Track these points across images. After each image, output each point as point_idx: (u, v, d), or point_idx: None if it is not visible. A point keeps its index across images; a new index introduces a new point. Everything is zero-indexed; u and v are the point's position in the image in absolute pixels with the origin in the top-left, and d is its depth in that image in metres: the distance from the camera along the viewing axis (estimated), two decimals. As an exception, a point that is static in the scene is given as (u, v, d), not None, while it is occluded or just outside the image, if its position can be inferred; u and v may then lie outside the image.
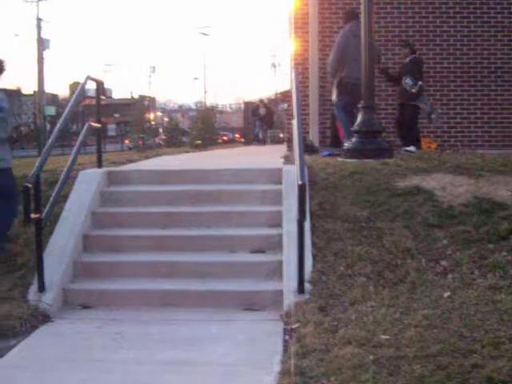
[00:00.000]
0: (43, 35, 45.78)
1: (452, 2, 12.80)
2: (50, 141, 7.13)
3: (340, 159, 9.11)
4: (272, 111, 32.13)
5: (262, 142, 28.71)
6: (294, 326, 5.18)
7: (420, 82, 11.33)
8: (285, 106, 20.53)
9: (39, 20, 46.05)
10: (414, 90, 11.29)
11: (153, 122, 46.48)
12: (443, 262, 5.98)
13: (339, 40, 10.80)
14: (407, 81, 11.29)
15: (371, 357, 4.32)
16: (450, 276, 5.76)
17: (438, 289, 5.55)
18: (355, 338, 4.66)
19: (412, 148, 10.84)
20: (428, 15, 12.84)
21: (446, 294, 5.41)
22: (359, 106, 9.33)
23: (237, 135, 52.26)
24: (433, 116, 11.77)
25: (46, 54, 45.63)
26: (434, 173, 7.69)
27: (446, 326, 4.78)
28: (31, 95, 52.70)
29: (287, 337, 5.14)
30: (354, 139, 9.29)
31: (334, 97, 11.04)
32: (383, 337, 4.66)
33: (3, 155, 6.80)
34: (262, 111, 30.13)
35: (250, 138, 31.51)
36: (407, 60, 11.54)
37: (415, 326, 4.80)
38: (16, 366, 4.81)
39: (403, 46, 11.84)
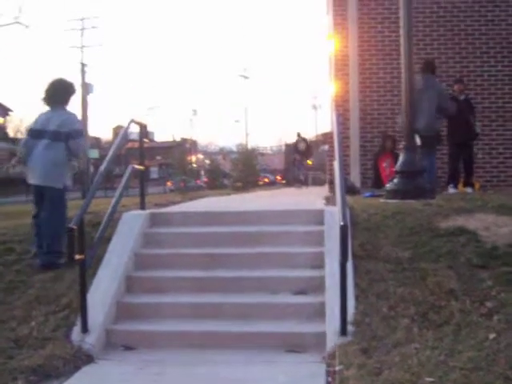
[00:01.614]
0: (87, 80, 46.70)
1: (492, 42, 12.80)
2: (93, 184, 7.24)
3: (382, 200, 9.09)
4: (311, 146, 31.88)
5: (304, 183, 28.62)
6: (336, 368, 5.12)
7: (478, 123, 11.44)
8: (326, 147, 20.54)
9: (83, 65, 47.04)
10: (478, 130, 11.39)
11: (194, 165, 46.90)
12: (488, 303, 5.87)
13: None
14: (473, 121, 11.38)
15: (416, 400, 4.26)
16: (495, 317, 5.66)
17: (483, 330, 5.44)
18: (399, 380, 4.60)
19: (469, 189, 10.88)
20: (468, 55, 12.85)
21: (492, 336, 5.30)
22: (401, 146, 9.35)
23: (278, 177, 52.43)
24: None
25: (89, 98, 46.44)
26: (477, 213, 7.62)
27: (491, 369, 4.69)
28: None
29: (330, 379, 5.08)
30: (395, 180, 9.26)
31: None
32: (428, 379, 4.59)
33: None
34: (302, 146, 29.88)
35: (291, 179, 31.48)
36: (462, 98, 11.54)
37: (460, 369, 4.72)
38: (59, 406, 4.84)
39: (457, 81, 11.86)
